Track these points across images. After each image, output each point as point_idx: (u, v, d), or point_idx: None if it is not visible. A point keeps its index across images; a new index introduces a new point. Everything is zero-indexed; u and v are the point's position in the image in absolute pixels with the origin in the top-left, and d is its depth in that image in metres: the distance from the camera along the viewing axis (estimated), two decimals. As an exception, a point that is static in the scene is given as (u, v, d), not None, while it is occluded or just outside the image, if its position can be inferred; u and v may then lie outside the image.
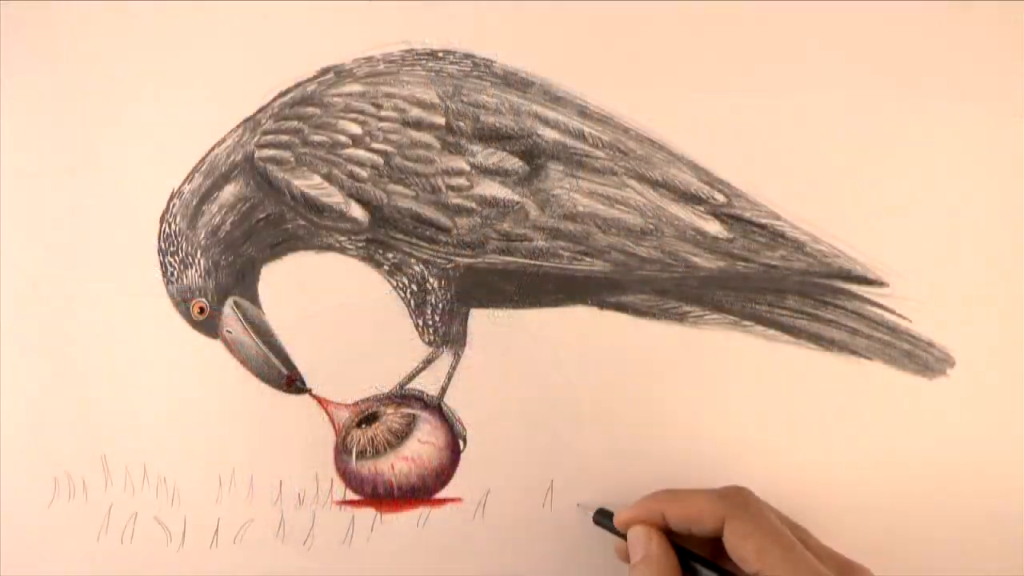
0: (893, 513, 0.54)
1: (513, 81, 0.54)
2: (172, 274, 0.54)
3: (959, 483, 0.54)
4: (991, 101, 0.55)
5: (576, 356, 0.54)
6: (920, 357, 0.54)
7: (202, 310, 0.54)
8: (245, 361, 0.54)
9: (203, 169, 0.54)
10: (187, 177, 0.54)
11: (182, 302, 0.54)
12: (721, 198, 0.54)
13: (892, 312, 0.54)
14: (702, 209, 0.54)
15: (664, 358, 0.54)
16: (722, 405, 0.54)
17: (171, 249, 0.54)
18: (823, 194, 0.54)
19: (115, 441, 0.54)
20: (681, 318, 0.55)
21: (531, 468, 0.54)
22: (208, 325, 0.54)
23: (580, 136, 0.54)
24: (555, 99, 0.54)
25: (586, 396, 0.54)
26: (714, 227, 0.54)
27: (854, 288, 0.54)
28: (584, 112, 0.54)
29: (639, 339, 0.54)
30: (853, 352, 0.54)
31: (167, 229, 0.54)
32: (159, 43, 0.54)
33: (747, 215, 0.54)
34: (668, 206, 0.54)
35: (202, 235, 0.54)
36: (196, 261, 0.54)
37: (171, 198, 0.54)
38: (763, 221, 0.54)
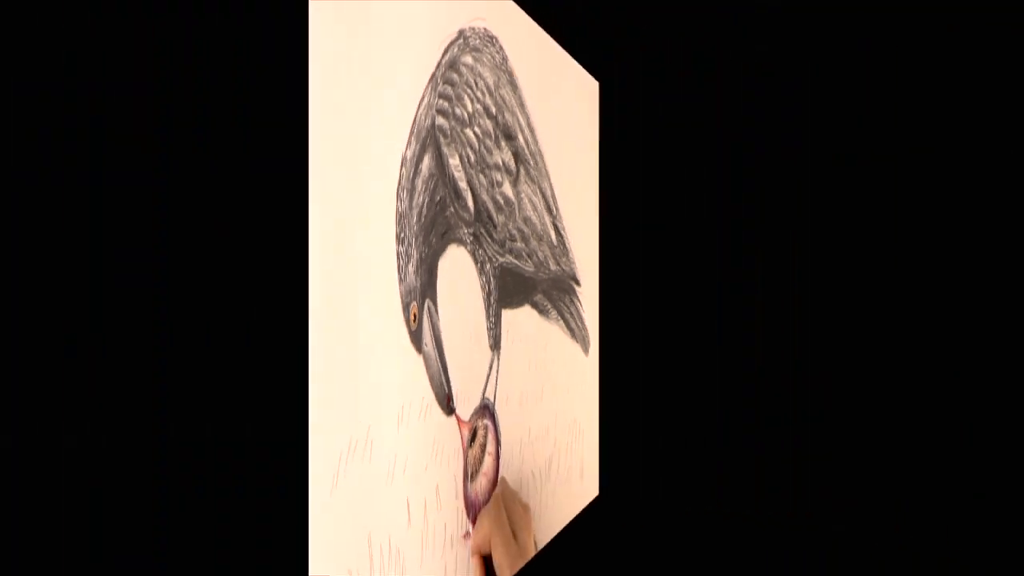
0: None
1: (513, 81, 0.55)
2: (402, 268, 0.37)
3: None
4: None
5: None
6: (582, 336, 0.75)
7: (415, 317, 0.39)
8: (431, 379, 0.41)
9: (414, 131, 0.39)
10: (407, 141, 0.38)
11: (405, 307, 0.38)
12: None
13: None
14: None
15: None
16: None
17: (401, 235, 0.37)
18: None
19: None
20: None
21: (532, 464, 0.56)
22: (415, 335, 0.39)
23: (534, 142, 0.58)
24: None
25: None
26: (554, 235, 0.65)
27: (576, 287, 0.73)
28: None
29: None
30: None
31: (401, 207, 0.37)
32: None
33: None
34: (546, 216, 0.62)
35: (415, 217, 0.39)
36: (412, 253, 0.39)
37: (401, 166, 0.37)
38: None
